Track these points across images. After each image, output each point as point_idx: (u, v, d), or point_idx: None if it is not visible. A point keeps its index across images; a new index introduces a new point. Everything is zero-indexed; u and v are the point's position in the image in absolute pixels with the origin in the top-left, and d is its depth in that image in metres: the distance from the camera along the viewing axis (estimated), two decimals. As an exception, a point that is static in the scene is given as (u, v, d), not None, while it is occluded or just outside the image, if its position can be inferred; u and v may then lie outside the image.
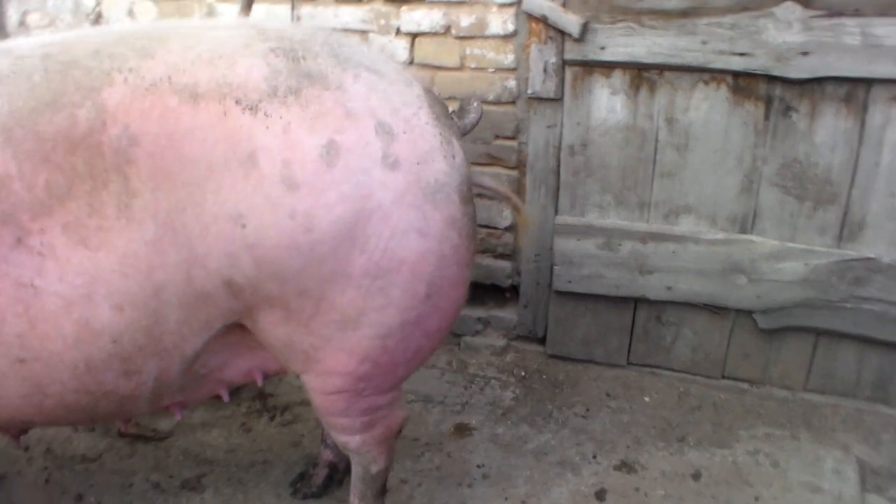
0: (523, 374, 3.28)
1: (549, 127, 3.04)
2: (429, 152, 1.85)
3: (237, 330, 1.93)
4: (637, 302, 3.15)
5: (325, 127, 1.76)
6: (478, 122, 2.15)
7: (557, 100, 2.99)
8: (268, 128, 1.73)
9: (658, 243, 3.00)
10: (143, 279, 1.76)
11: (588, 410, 3.05)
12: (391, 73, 1.93)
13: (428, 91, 1.98)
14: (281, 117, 1.74)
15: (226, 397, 2.17)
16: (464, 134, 2.07)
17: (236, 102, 1.74)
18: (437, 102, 1.97)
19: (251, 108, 1.74)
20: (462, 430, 2.95)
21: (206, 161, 1.73)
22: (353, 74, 1.84)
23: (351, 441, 2.15)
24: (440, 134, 1.88)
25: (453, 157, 1.89)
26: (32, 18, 3.72)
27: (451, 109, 2.05)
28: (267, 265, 1.77)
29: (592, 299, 3.19)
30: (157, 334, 1.83)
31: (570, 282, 3.16)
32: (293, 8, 3.17)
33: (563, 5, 2.86)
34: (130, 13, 3.56)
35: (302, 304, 1.84)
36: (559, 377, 3.26)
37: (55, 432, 2.88)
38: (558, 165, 3.07)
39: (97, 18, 3.61)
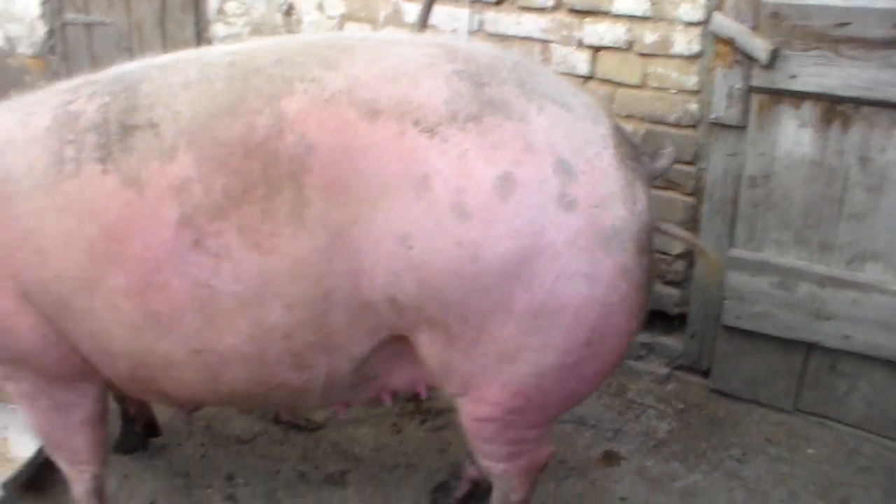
0: (682, 406, 3.15)
1: (730, 155, 2.90)
2: (608, 196, 1.78)
3: (404, 341, 1.95)
4: (810, 347, 2.95)
5: (502, 158, 1.73)
6: (669, 169, 2.06)
7: (741, 127, 2.85)
8: (444, 153, 1.73)
9: (838, 289, 2.80)
10: (313, 283, 1.81)
11: (745, 454, 2.89)
12: (579, 108, 1.87)
13: (617, 130, 1.90)
14: (458, 143, 1.73)
15: (388, 401, 2.23)
16: (653, 178, 1.97)
17: (414, 123, 1.75)
18: (626, 143, 1.89)
19: (429, 131, 1.74)
20: (610, 457, 2.88)
21: (379, 178, 1.75)
22: (538, 106, 1.81)
23: (494, 467, 2.14)
24: (623, 178, 1.81)
25: (634, 204, 1.81)
26: (230, 6, 3.94)
27: (633, 136, 1.94)
28: (430, 288, 1.77)
29: (762, 338, 3.02)
30: (327, 333, 1.88)
31: (739, 317, 3.00)
32: (470, 15, 3.17)
33: (753, 28, 2.71)
34: (320, 6, 3.69)
35: (463, 330, 1.83)
36: (719, 414, 3.11)
37: (216, 411, 3.05)
38: (737, 196, 2.93)
39: (289, 10, 3.77)
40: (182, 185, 1.80)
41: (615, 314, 1.83)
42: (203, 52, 2.08)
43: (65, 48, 4.45)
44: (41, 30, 4.42)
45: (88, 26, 4.30)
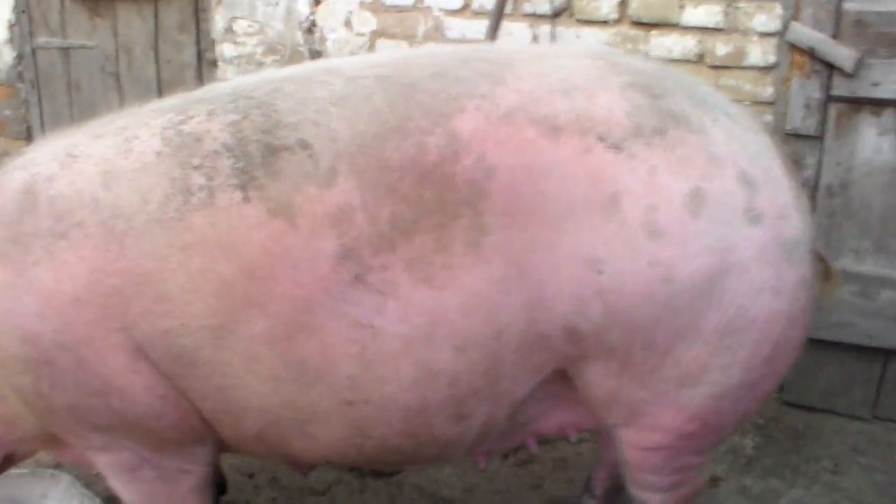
0: (761, 421, 3.10)
1: (806, 166, 2.88)
2: (786, 206, 1.72)
3: (560, 380, 1.82)
4: (889, 354, 2.97)
5: (691, 173, 1.65)
6: None
7: (817, 137, 2.84)
8: (633, 169, 1.64)
9: (922, 295, 2.81)
10: (486, 320, 1.66)
11: (837, 466, 2.86)
12: (742, 118, 1.82)
13: (772, 140, 1.85)
14: (646, 159, 1.64)
15: (534, 448, 2.07)
16: None
17: (599, 139, 1.65)
18: (782, 152, 1.85)
19: (615, 147, 1.64)
20: (709, 479, 2.79)
21: (564, 199, 1.63)
22: (712, 118, 1.73)
23: (652, 499, 2.02)
24: (793, 187, 1.76)
25: (804, 213, 1.77)
26: (240, 25, 3.69)
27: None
28: (617, 314, 1.66)
29: (840, 348, 3.01)
30: (493, 378, 1.73)
31: (817, 328, 2.98)
32: (553, 27, 3.05)
33: (835, 37, 2.71)
34: (347, 23, 3.49)
35: (645, 357, 1.72)
36: (798, 427, 3.08)
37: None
38: (813, 206, 2.91)
39: (310, 27, 3.55)
40: (342, 214, 1.62)
41: (795, 327, 1.78)
42: (329, 63, 1.92)
43: (36, 74, 4.08)
44: (8, 55, 4.03)
45: (65, 50, 3.94)
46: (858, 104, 2.76)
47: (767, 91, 2.88)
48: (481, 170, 1.64)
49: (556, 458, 2.44)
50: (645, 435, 1.87)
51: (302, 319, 1.64)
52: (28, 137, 4.10)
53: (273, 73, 1.90)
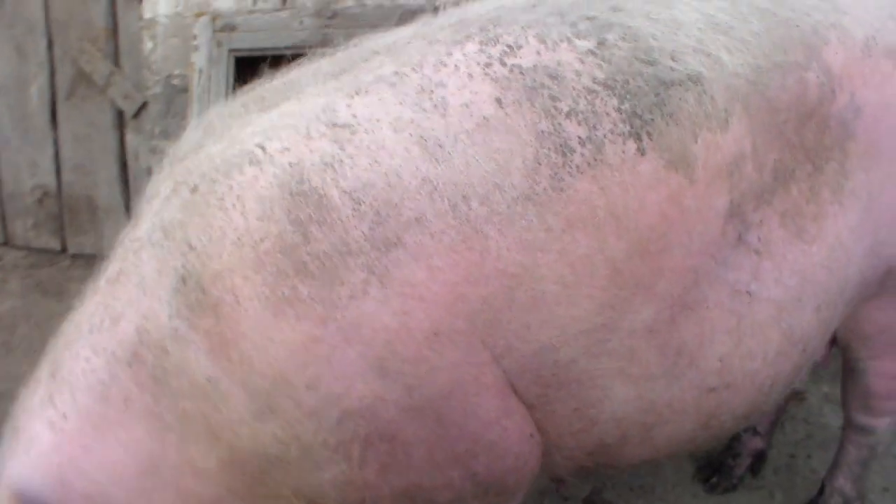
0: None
1: None
2: None
3: None
4: None
5: None
6: None
7: None
8: None
9: None
10: (840, 274, 1.54)
11: None
12: None
13: None
14: None
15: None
16: None
17: None
18: None
19: None
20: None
21: None
22: None
23: (881, 423, 2.06)
24: None
25: None
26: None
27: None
28: None
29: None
30: (822, 336, 1.63)
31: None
32: None
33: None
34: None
35: None
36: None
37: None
38: None
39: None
40: (735, 164, 1.39)
41: None
42: None
43: None
44: None
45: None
46: None
47: None
48: (852, 109, 1.50)
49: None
50: None
51: (686, 297, 1.39)
52: None
53: None
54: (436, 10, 1.90)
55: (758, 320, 1.49)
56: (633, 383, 1.42)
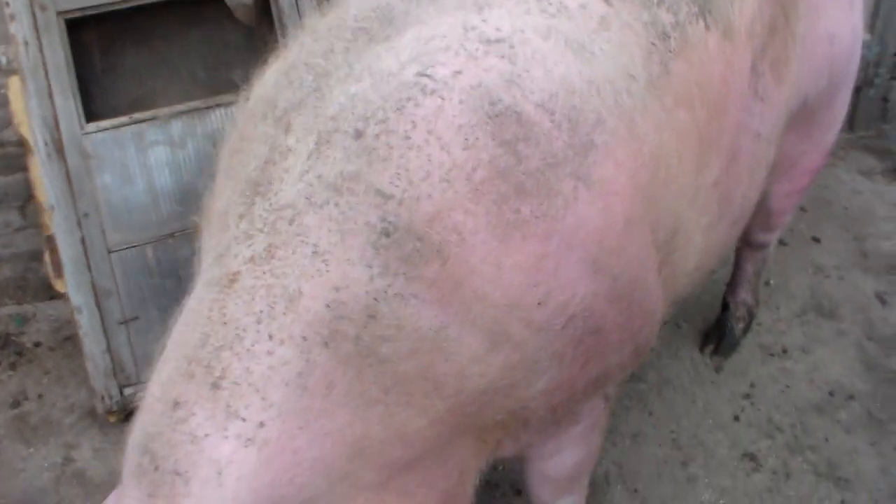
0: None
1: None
2: None
3: None
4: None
5: None
6: None
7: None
8: None
9: None
10: (787, 108, 1.86)
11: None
12: None
13: None
14: None
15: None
16: None
17: None
18: None
19: None
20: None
21: None
22: None
23: (772, 237, 2.53)
24: None
25: None
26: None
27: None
28: (834, 76, 1.98)
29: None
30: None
31: None
32: None
33: None
34: None
35: (822, 112, 2.07)
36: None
37: None
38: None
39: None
40: (752, 24, 1.63)
41: None
42: None
43: None
44: None
45: None
46: None
47: None
48: None
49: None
50: (795, 181, 2.24)
51: (733, 147, 1.60)
52: None
53: None
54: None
55: (759, 157, 1.77)
56: (703, 232, 1.63)
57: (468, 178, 1.18)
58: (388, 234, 1.16)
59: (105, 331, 2.41)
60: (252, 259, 1.20)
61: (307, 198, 1.20)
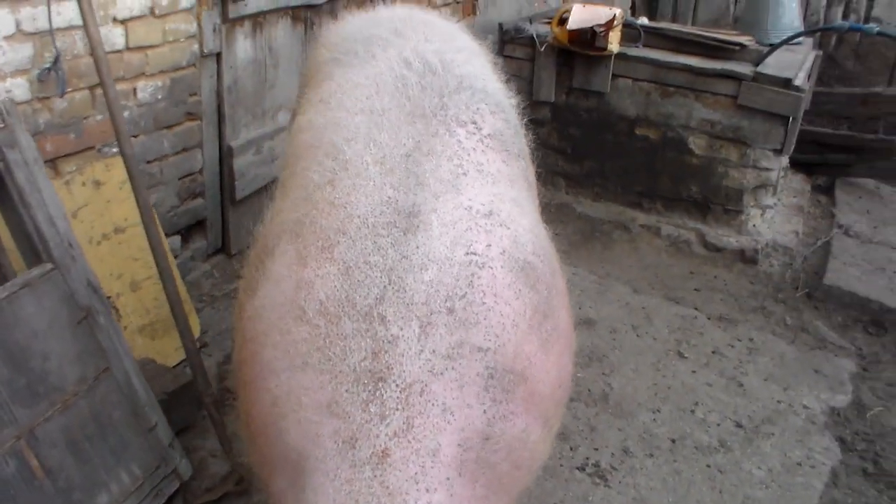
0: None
1: (211, 76, 3.69)
2: None
3: None
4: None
5: None
6: None
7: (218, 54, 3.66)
8: None
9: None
10: None
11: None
12: None
13: None
14: None
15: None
16: None
17: None
18: None
19: None
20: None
21: None
22: None
23: None
24: None
25: None
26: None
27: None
28: None
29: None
30: None
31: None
32: None
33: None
34: None
35: None
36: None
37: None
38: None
39: None
40: None
41: None
42: None
43: None
44: None
45: None
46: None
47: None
48: None
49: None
50: None
51: None
52: None
53: None
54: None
55: None
56: None
57: (525, 318, 1.61)
58: (492, 377, 1.52)
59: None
60: (396, 434, 1.44)
61: (430, 371, 1.48)
